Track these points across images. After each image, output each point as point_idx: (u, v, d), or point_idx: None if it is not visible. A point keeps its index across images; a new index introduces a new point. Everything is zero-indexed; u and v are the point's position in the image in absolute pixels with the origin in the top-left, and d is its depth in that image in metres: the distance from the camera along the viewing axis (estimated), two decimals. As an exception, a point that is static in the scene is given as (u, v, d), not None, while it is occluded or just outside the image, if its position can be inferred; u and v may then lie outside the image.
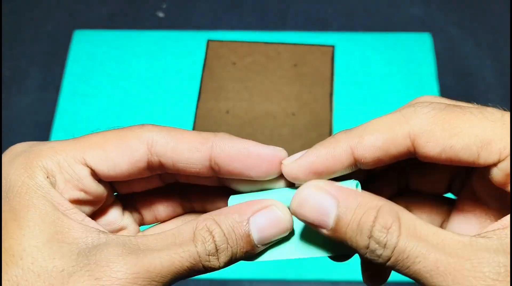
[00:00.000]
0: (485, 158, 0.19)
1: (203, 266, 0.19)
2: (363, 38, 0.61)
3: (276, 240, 0.21)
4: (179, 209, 0.24)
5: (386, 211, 0.18)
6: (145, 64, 0.60)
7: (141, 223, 0.24)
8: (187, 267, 0.19)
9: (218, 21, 0.64)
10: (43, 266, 0.18)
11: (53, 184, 0.20)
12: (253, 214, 0.20)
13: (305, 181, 0.20)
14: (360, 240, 0.18)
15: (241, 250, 0.20)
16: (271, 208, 0.21)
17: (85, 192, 0.21)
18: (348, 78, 0.58)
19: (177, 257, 0.19)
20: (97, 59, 0.60)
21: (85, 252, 0.18)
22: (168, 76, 0.59)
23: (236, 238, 0.20)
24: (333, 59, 0.59)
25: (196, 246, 0.19)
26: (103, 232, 0.19)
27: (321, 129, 0.55)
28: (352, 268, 0.48)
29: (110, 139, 0.21)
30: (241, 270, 0.48)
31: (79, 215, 0.20)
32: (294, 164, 0.21)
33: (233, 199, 0.22)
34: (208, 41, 0.61)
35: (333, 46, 0.60)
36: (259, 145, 0.21)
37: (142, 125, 0.22)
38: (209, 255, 0.19)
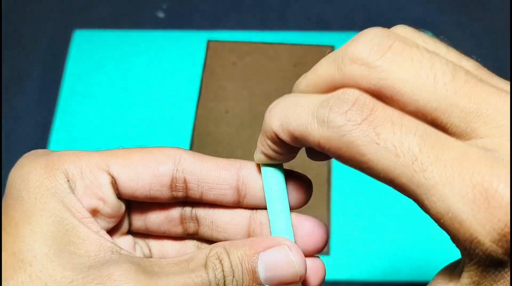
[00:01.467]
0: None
1: None
2: (363, 38, 0.61)
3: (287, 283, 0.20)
4: (191, 250, 0.23)
5: None
6: (145, 64, 0.60)
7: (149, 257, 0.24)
8: None
9: (218, 21, 0.64)
10: (52, 276, 0.17)
11: (73, 189, 0.19)
12: (264, 250, 0.19)
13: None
14: None
15: (246, 285, 0.19)
16: (283, 248, 0.19)
17: (104, 201, 0.20)
18: (348, 78, 0.58)
19: (191, 282, 0.18)
20: (97, 59, 0.61)
21: (97, 266, 0.18)
22: (168, 76, 0.59)
23: (242, 272, 0.19)
24: (333, 59, 0.59)
25: (208, 273, 0.19)
26: (117, 247, 0.19)
27: (321, 129, 0.55)
28: (352, 268, 0.48)
29: (136, 152, 0.21)
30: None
31: (95, 226, 0.19)
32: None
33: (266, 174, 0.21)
34: (208, 41, 0.61)
35: (333, 46, 0.60)
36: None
37: (171, 147, 0.21)
38: (217, 284, 0.19)
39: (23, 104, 0.59)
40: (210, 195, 0.21)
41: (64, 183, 0.19)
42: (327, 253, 0.48)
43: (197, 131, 0.55)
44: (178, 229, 0.22)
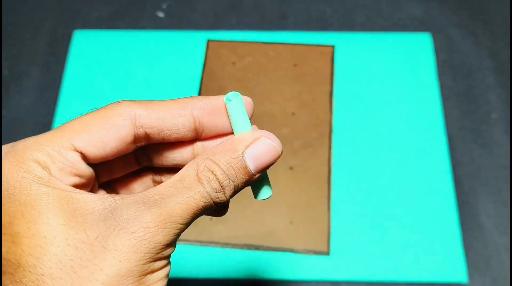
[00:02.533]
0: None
1: (214, 202, 0.22)
2: (363, 38, 0.61)
3: (271, 165, 0.23)
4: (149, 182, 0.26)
5: None
6: (145, 64, 0.60)
7: None
8: (201, 206, 0.21)
9: (218, 21, 0.64)
10: (78, 239, 0.19)
11: (49, 172, 0.20)
12: (246, 148, 0.22)
13: None
14: None
15: (241, 181, 0.22)
16: (262, 139, 0.23)
17: (80, 176, 0.22)
18: (348, 78, 0.58)
19: (191, 199, 0.21)
20: (97, 59, 0.60)
21: (110, 216, 0.20)
22: (168, 76, 0.59)
23: (235, 172, 0.22)
24: (333, 59, 0.59)
25: (204, 187, 0.21)
26: (117, 195, 0.21)
27: (321, 129, 0.55)
28: (352, 268, 0.48)
29: (93, 121, 0.22)
30: (241, 269, 0.48)
31: (85, 192, 0.21)
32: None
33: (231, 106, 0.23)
34: (208, 41, 0.61)
35: (333, 46, 0.59)
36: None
37: (119, 102, 0.22)
38: (216, 192, 0.22)
39: (23, 104, 0.59)
40: (171, 138, 0.23)
41: (41, 170, 0.20)
42: (327, 253, 0.48)
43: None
44: (134, 167, 0.25)
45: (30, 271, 0.18)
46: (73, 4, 0.66)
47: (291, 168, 0.53)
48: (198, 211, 0.21)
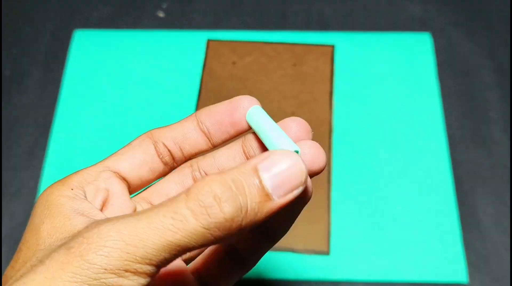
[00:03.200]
0: None
1: (204, 227, 0.19)
2: (363, 38, 0.61)
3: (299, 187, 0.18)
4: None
5: None
6: (145, 64, 0.60)
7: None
8: (176, 232, 0.19)
9: (218, 21, 0.64)
10: (50, 244, 0.19)
11: (84, 194, 0.22)
12: (261, 162, 0.19)
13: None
14: None
15: (255, 200, 0.18)
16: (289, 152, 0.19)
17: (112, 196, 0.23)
18: (348, 78, 0.58)
19: (162, 217, 0.20)
20: (97, 59, 0.61)
21: (65, 242, 0.18)
22: (168, 76, 0.59)
23: (243, 186, 0.18)
24: (333, 58, 0.59)
25: (189, 201, 0.20)
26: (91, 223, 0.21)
27: (321, 129, 0.55)
28: (352, 268, 0.48)
29: (120, 150, 0.24)
30: (241, 269, 0.48)
31: (96, 211, 0.21)
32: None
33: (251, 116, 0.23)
34: (208, 41, 0.61)
35: (333, 46, 0.60)
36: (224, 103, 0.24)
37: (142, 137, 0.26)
38: (205, 207, 0.21)
39: (23, 104, 0.59)
40: (186, 143, 0.24)
41: (72, 193, 0.21)
42: (327, 253, 0.48)
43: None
44: (161, 169, 0.24)
45: (15, 271, 0.19)
46: (73, 4, 0.66)
47: (291, 168, 0.53)
48: (172, 239, 0.16)
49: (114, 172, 0.22)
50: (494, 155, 0.54)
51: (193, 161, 0.24)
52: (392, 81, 0.58)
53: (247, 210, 0.16)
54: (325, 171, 0.52)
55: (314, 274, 0.48)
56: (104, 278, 0.16)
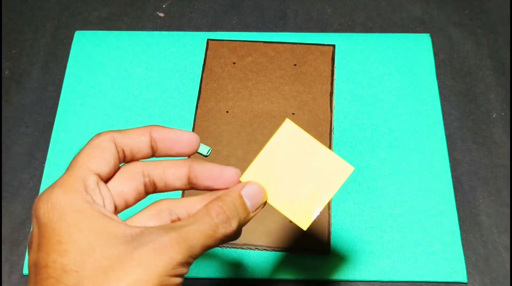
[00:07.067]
0: None
1: (223, 234, 0.27)
2: (363, 38, 0.61)
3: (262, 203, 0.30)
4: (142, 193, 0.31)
5: None
6: (145, 64, 0.60)
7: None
8: (211, 234, 0.26)
9: (218, 21, 0.64)
10: (111, 253, 0.24)
11: (91, 195, 0.26)
12: (241, 189, 0.29)
13: None
14: None
15: (243, 216, 0.29)
16: (253, 183, 0.30)
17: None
18: (348, 78, 0.58)
19: (203, 227, 0.26)
20: (97, 59, 0.61)
21: (136, 238, 0.24)
22: (168, 76, 0.59)
23: (237, 208, 0.28)
24: (333, 58, 0.59)
25: (213, 218, 0.27)
26: (141, 227, 0.26)
27: (321, 129, 0.55)
28: (352, 268, 0.48)
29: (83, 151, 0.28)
30: (240, 269, 0.48)
31: (119, 220, 0.26)
32: None
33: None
34: (208, 41, 0.61)
35: (333, 46, 0.60)
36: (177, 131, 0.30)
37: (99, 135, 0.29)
38: (224, 223, 0.27)
39: (23, 104, 0.59)
40: (139, 153, 0.30)
41: (85, 195, 0.26)
42: (327, 253, 0.49)
43: (197, 131, 0.55)
44: (143, 195, 0.31)
45: (73, 275, 0.23)
46: (73, 4, 0.66)
47: (291, 168, 0.53)
48: (209, 238, 0.26)
49: (96, 174, 0.27)
50: (494, 155, 0.54)
51: (144, 168, 0.29)
52: (392, 81, 0.58)
53: (241, 220, 0.28)
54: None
55: (314, 274, 0.48)
56: (179, 269, 0.25)
